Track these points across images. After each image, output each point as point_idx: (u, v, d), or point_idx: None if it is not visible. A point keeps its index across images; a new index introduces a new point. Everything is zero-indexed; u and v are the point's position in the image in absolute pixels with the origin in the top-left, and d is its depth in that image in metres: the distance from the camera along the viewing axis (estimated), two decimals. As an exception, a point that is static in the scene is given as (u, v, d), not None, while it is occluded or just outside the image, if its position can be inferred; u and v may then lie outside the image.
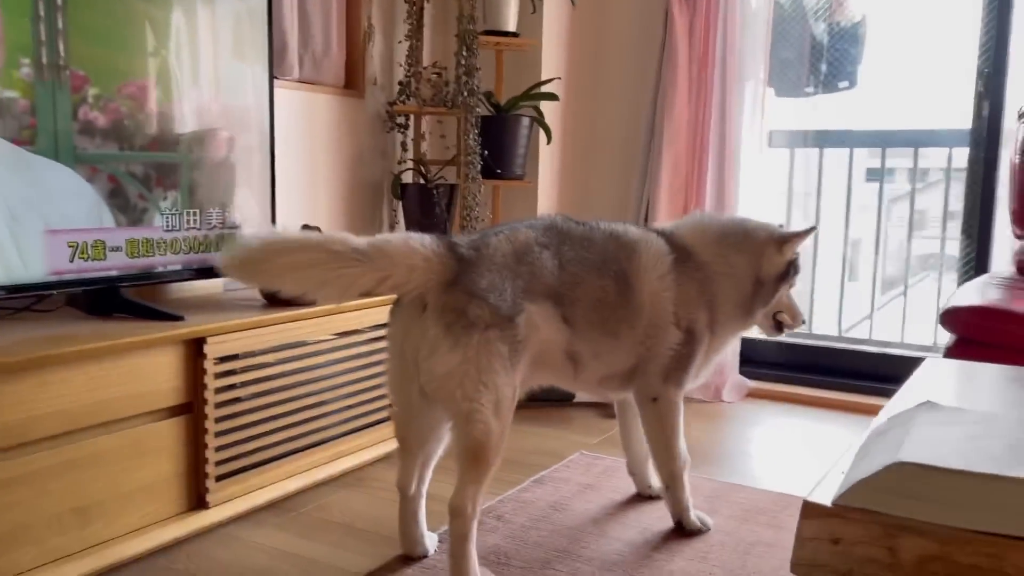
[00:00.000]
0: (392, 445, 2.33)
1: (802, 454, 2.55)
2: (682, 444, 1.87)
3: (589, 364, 1.75)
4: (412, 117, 2.98)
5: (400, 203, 2.95)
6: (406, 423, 1.69)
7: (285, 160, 2.61)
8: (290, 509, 2.00)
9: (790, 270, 1.89)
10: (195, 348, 1.80)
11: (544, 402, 2.92)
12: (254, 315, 1.94)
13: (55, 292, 1.73)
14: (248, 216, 2.15)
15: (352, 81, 2.90)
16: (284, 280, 1.49)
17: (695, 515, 1.90)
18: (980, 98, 2.96)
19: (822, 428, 2.82)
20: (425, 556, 1.75)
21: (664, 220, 3.04)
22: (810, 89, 3.98)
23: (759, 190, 3.11)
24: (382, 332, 2.27)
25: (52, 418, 1.54)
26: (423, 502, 1.76)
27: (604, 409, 2.87)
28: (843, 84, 4.09)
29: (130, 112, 1.83)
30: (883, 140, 3.99)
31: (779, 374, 3.26)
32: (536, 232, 1.69)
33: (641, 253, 1.77)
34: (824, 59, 3.89)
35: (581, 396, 2.92)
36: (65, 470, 1.57)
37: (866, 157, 4.22)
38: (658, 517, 1.96)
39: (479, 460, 1.55)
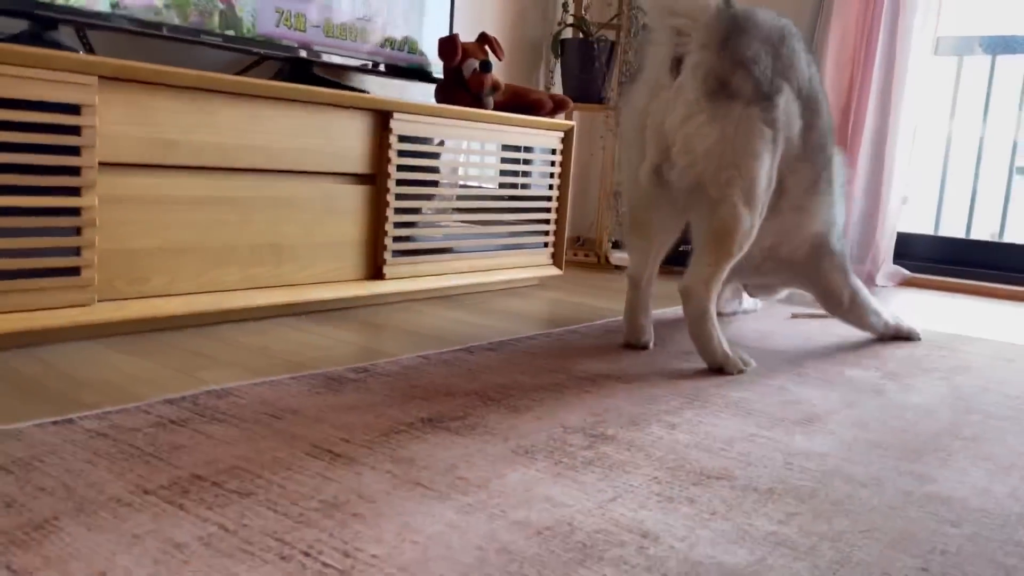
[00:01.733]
0: (550, 271, 2.37)
1: (968, 319, 2.44)
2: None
3: (785, 211, 1.60)
4: (575, -23, 2.98)
5: (558, 62, 2.98)
6: (643, 208, 1.57)
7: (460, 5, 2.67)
8: (456, 300, 2.07)
9: None
10: (382, 121, 1.87)
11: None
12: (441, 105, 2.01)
13: (262, 52, 1.83)
14: (427, 33, 2.22)
15: (520, -65, 2.93)
16: None
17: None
18: None
19: (983, 306, 2.69)
20: (647, 346, 1.66)
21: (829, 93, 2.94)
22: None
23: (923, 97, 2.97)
24: (556, 157, 2.31)
25: (260, 151, 1.65)
26: (651, 292, 1.67)
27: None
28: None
29: None
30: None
31: (935, 267, 3.13)
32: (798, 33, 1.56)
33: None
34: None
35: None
36: (267, 205, 1.68)
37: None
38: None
39: (721, 245, 1.45)
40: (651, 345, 1.68)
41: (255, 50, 1.81)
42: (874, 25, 2.92)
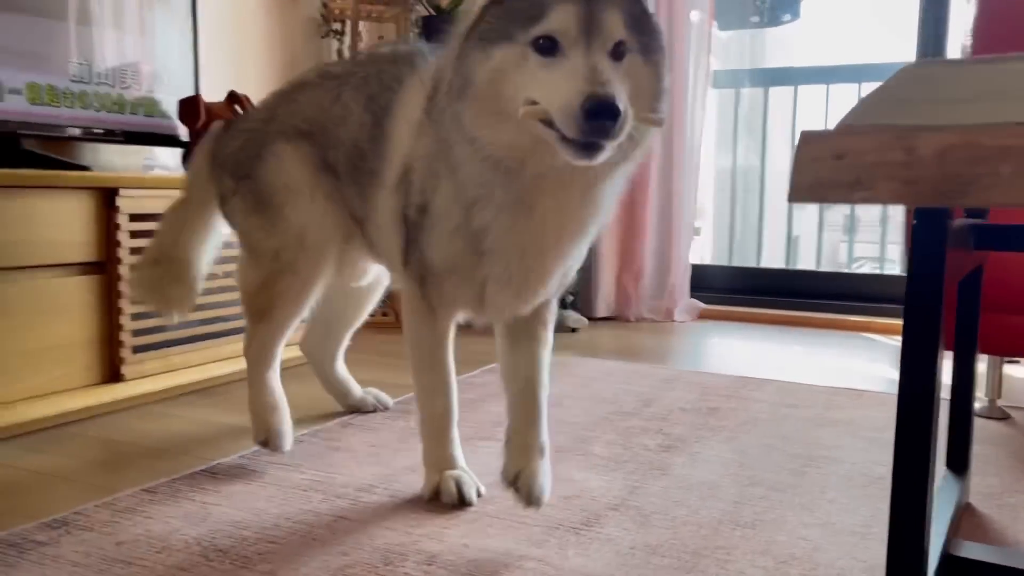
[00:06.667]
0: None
1: (757, 354, 2.47)
2: None
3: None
4: (348, 24, 2.83)
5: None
6: None
7: (210, 63, 2.43)
8: (217, 392, 1.83)
9: None
10: (106, 200, 1.62)
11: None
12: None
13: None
14: (169, 83, 1.98)
15: (284, -20, 2.74)
16: None
17: None
18: (923, 24, 2.93)
19: (773, 337, 2.76)
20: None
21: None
22: (755, 19, 3.95)
23: (705, 127, 3.05)
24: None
25: (-64, 251, 1.36)
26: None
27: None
28: (786, 17, 4.07)
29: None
30: (826, 76, 3.93)
31: (731, 297, 3.19)
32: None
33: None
34: (768, -12, 3.85)
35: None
36: (-47, 314, 1.39)
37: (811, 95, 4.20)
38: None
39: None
40: None
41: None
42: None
